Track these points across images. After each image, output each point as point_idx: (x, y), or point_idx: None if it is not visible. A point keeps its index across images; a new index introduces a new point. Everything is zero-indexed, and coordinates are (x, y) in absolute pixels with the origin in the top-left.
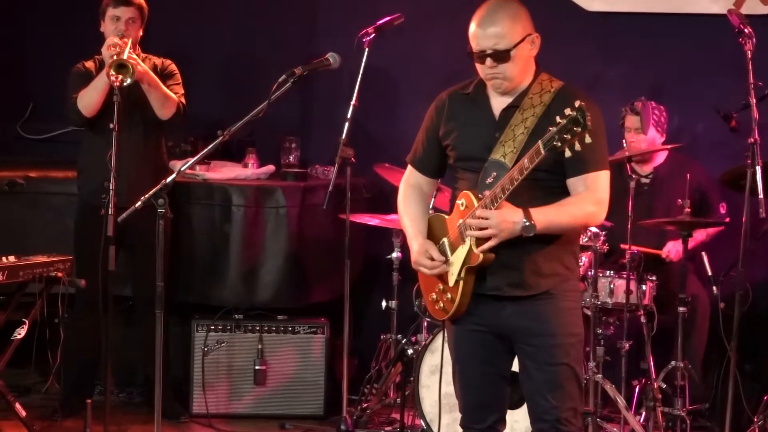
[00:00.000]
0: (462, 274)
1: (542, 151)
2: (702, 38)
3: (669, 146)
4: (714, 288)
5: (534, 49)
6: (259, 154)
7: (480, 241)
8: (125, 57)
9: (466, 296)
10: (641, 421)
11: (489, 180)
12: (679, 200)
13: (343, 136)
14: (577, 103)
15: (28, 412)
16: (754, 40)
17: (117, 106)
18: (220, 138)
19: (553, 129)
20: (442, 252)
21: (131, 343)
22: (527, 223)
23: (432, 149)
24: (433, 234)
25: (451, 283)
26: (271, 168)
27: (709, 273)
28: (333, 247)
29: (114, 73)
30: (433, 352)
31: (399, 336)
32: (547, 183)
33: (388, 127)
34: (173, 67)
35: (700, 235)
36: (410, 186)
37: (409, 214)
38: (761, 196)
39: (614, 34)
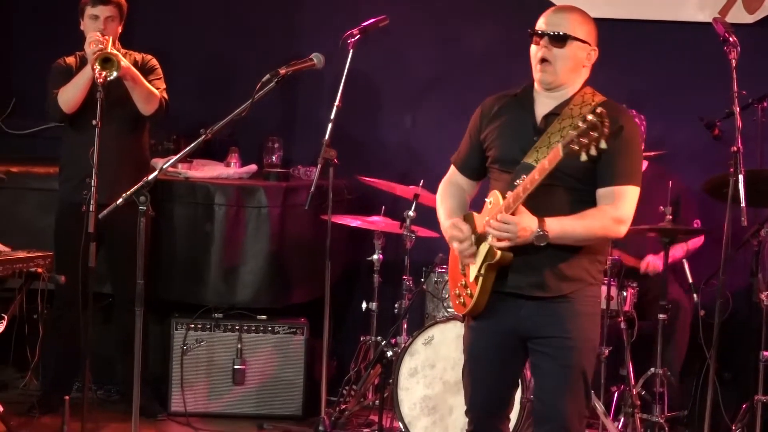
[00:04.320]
0: (482, 271)
1: (560, 153)
2: (687, 46)
3: (649, 153)
4: (694, 296)
5: (588, 60)
6: (241, 154)
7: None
8: (110, 50)
9: (485, 293)
10: (619, 427)
11: (518, 181)
12: (661, 207)
13: (326, 137)
14: (599, 109)
15: (5, 408)
16: (738, 49)
17: (100, 102)
18: (203, 137)
19: (572, 132)
20: None
21: (110, 341)
22: (540, 233)
23: (474, 151)
24: None
25: (472, 278)
26: (253, 168)
27: (690, 281)
28: (314, 248)
29: (99, 67)
30: (413, 354)
31: (378, 338)
32: (579, 193)
33: (371, 130)
34: (154, 62)
35: (678, 252)
36: (450, 183)
37: (445, 205)
38: (743, 204)
39: (598, 40)
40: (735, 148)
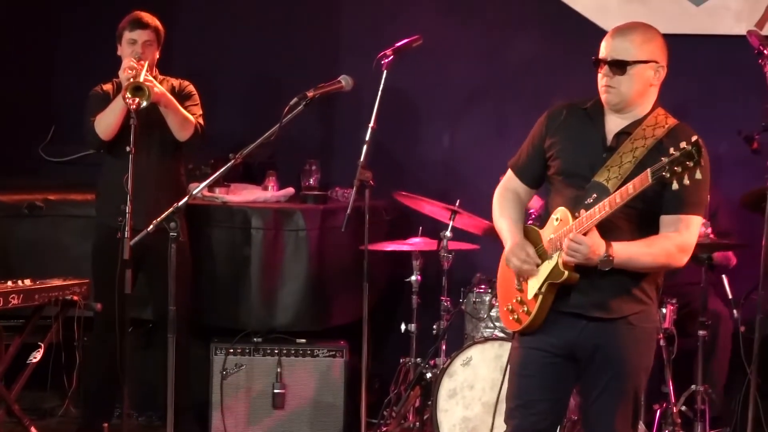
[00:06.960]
0: (543, 289)
1: (650, 180)
2: (724, 59)
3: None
4: (734, 311)
5: (656, 78)
6: (279, 177)
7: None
8: (141, 79)
9: (543, 311)
10: None
11: (589, 200)
12: None
13: (362, 159)
14: (694, 138)
15: None
16: None
17: (133, 129)
18: (232, 161)
19: (665, 159)
20: None
21: (152, 366)
22: (606, 257)
23: (535, 158)
24: None
25: (530, 296)
26: (290, 190)
27: (730, 296)
28: (352, 269)
29: (130, 96)
30: (451, 375)
31: (418, 359)
32: (642, 213)
33: (408, 150)
34: (191, 88)
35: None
36: (507, 190)
37: (505, 216)
38: None
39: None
40: None
